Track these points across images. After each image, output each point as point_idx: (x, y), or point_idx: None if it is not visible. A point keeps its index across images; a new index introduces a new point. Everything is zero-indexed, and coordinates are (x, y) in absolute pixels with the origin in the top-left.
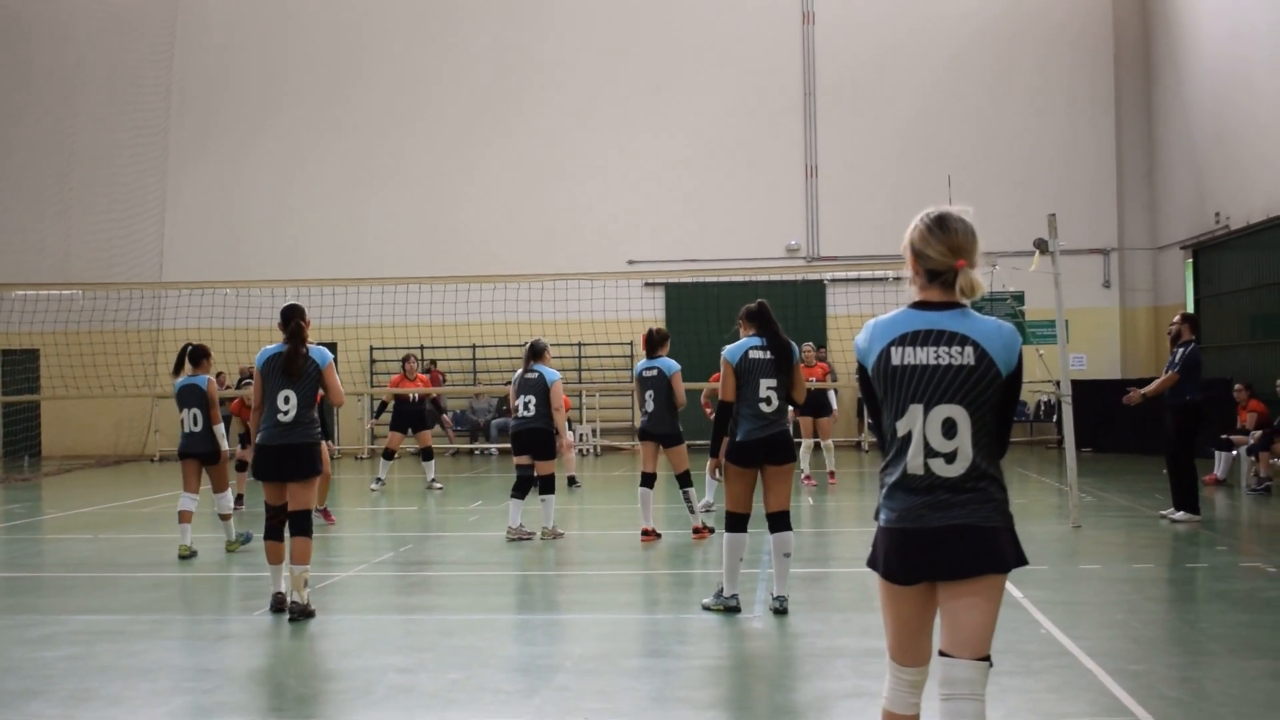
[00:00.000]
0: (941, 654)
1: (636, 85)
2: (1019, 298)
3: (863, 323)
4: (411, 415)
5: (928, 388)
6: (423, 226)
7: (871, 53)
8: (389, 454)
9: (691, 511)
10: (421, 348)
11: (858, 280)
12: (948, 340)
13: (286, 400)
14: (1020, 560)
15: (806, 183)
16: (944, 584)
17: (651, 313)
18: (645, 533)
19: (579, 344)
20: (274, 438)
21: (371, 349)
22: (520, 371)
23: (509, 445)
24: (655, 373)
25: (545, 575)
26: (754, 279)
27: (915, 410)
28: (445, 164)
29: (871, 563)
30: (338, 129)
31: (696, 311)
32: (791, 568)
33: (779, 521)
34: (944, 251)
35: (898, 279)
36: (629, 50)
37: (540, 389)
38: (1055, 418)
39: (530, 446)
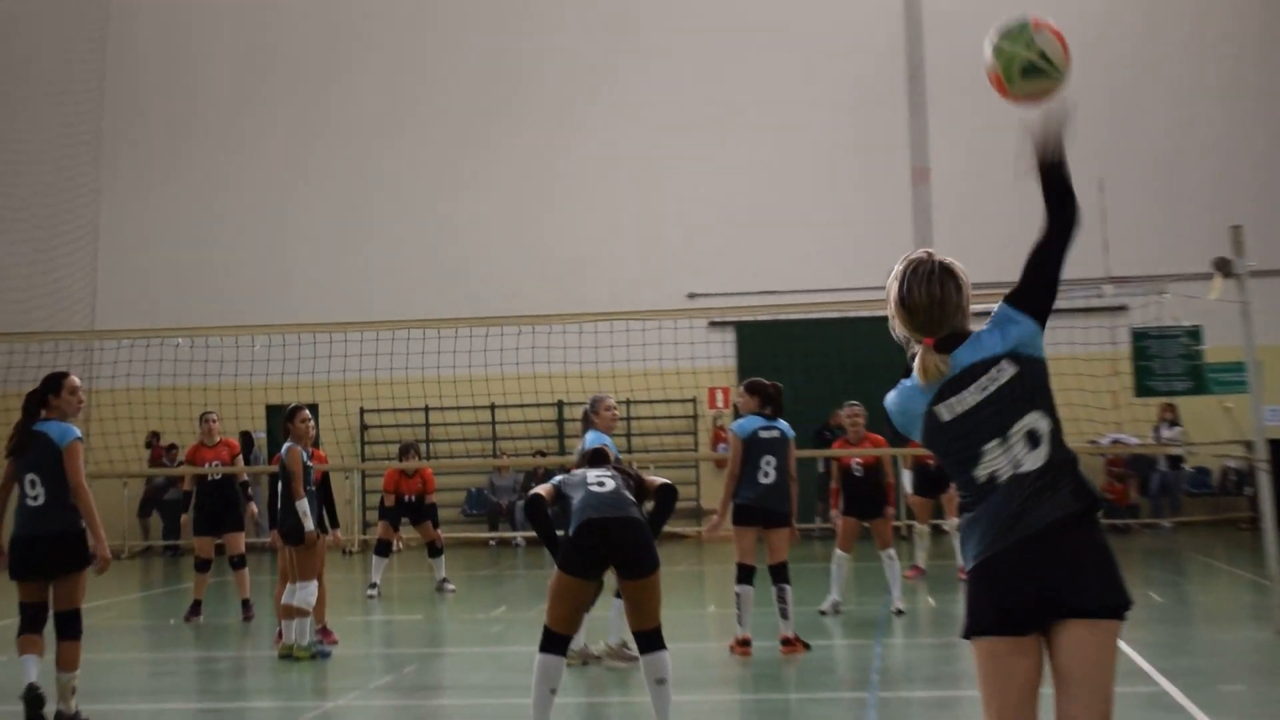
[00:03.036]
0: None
1: (693, 76)
2: (1194, 334)
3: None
4: (407, 504)
5: (994, 421)
6: (425, 259)
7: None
8: (382, 548)
9: (785, 616)
10: (426, 409)
11: (984, 315)
12: (982, 370)
13: (33, 484)
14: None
15: (914, 191)
16: (1063, 625)
17: (720, 360)
18: (741, 643)
19: (627, 401)
20: (27, 528)
21: (363, 411)
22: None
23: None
24: (777, 435)
25: (603, 706)
26: (848, 314)
27: (993, 447)
28: (450, 181)
29: (973, 629)
30: (320, 141)
31: (778, 358)
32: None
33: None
34: (908, 330)
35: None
36: (682, 32)
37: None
38: (1248, 490)
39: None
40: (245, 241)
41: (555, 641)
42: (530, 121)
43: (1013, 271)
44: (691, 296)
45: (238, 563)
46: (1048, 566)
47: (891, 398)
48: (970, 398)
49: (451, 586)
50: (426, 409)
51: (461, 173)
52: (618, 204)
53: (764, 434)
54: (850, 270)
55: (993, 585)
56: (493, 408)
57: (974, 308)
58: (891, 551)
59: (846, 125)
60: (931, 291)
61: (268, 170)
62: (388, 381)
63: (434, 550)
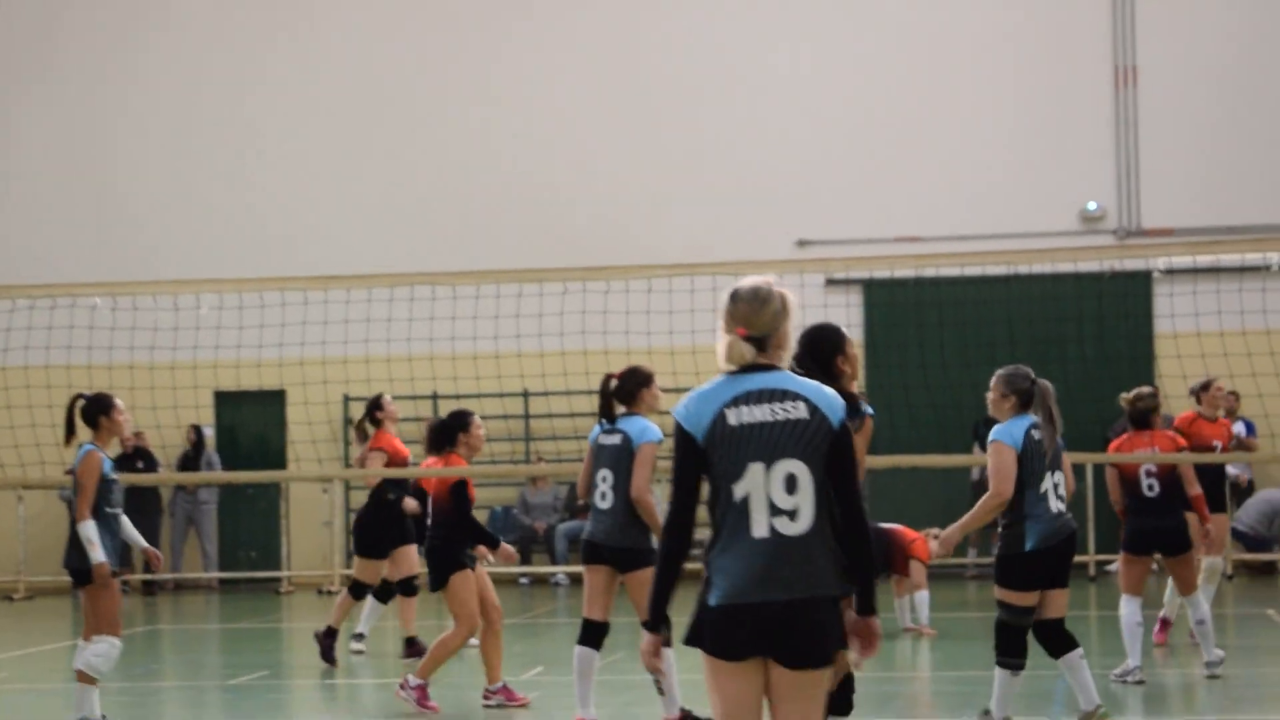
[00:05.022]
0: None
1: None
2: None
3: (1221, 343)
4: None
5: (768, 444)
6: (437, 194)
7: None
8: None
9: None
10: (435, 397)
11: (1213, 271)
12: (780, 397)
13: None
14: (843, 640)
15: (1116, 102)
16: (778, 669)
17: (842, 327)
18: None
19: None
20: None
21: (347, 400)
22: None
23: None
24: (619, 439)
25: None
26: (1021, 269)
27: (756, 469)
28: (470, 86)
29: (695, 640)
30: (284, 34)
31: (924, 327)
32: None
33: None
34: (728, 320)
35: None
36: None
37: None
38: None
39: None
40: (188, 173)
41: None
42: (584, 7)
43: (1255, 214)
44: (802, 244)
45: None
46: (783, 635)
47: (689, 396)
48: (759, 412)
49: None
50: (435, 397)
51: (486, 77)
52: (699, 122)
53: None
54: (1022, 209)
55: (727, 624)
56: (526, 395)
57: (1179, 260)
58: (1197, 597)
59: (1022, 14)
60: (757, 296)
61: (220, 73)
62: (383, 359)
63: (405, 588)
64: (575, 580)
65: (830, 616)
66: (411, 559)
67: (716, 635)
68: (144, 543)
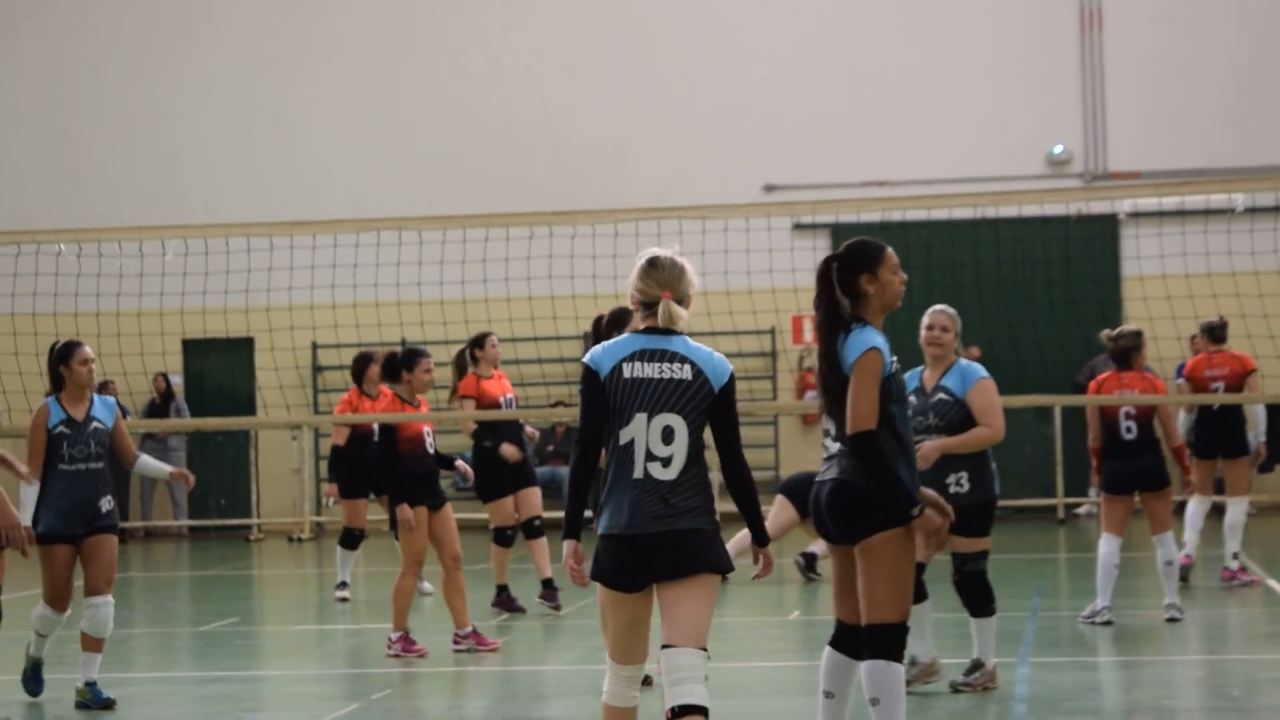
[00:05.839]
0: (665, 646)
1: None
2: None
3: (1187, 285)
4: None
5: (652, 397)
6: (404, 138)
7: None
8: (350, 538)
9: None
10: (404, 345)
11: (1179, 214)
12: (670, 358)
13: None
14: (728, 563)
15: (1082, 46)
16: (663, 585)
17: (808, 274)
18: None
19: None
20: None
21: (315, 347)
22: None
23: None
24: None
25: None
26: (988, 213)
27: (640, 418)
28: (436, 29)
29: (597, 575)
30: None
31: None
32: None
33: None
34: (653, 286)
35: (1253, 210)
36: None
37: None
38: None
39: None
40: (150, 118)
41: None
42: None
43: (1219, 158)
44: (769, 189)
45: None
46: (660, 559)
47: (600, 346)
48: (650, 369)
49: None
50: (404, 344)
51: (452, 18)
52: (668, 65)
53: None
54: (989, 153)
55: (614, 557)
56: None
57: (1145, 203)
58: (1167, 536)
59: None
60: (675, 264)
61: (181, 18)
62: (349, 305)
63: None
64: (550, 525)
65: (699, 542)
66: (532, 500)
67: (607, 565)
68: (168, 469)
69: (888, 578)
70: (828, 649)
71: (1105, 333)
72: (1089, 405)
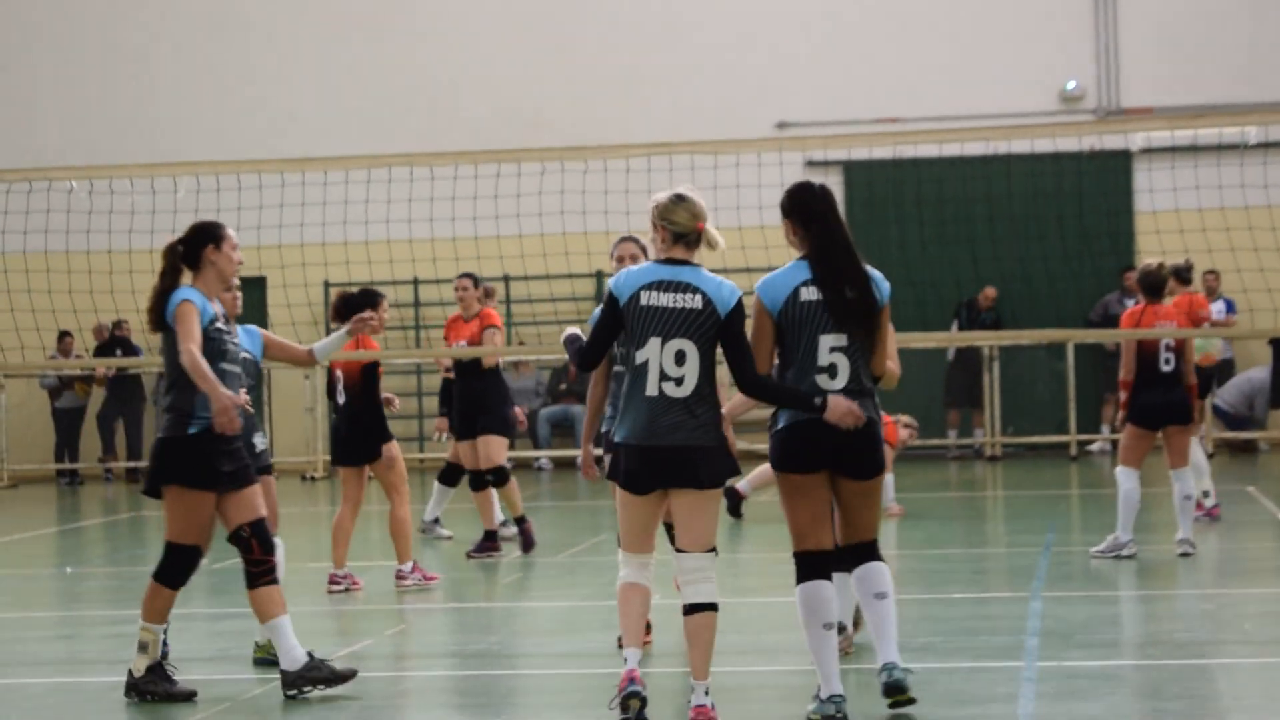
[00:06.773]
0: (679, 550)
1: None
2: None
3: (1201, 219)
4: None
5: (666, 324)
6: (410, 73)
7: None
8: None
9: None
10: (416, 282)
11: (1191, 149)
12: (682, 289)
13: None
14: (735, 470)
15: None
16: (674, 493)
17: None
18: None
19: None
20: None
21: (327, 285)
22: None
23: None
24: None
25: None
26: (1000, 149)
27: (654, 342)
28: None
29: (612, 474)
30: None
31: (901, 207)
32: None
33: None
34: (689, 218)
35: (1266, 145)
36: None
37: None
38: None
39: None
40: (162, 56)
41: (813, 564)
42: None
43: (1234, 92)
44: (781, 126)
45: None
46: (673, 469)
47: (623, 272)
48: (664, 298)
49: (447, 532)
50: (416, 282)
51: None
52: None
53: None
54: (1001, 89)
55: (629, 463)
56: (506, 280)
57: (1158, 138)
58: (1186, 471)
59: None
60: (700, 199)
61: None
62: (361, 243)
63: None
64: (558, 465)
65: (710, 456)
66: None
67: (624, 470)
68: (343, 329)
69: (877, 503)
70: (815, 583)
71: (1148, 265)
72: (1124, 342)
